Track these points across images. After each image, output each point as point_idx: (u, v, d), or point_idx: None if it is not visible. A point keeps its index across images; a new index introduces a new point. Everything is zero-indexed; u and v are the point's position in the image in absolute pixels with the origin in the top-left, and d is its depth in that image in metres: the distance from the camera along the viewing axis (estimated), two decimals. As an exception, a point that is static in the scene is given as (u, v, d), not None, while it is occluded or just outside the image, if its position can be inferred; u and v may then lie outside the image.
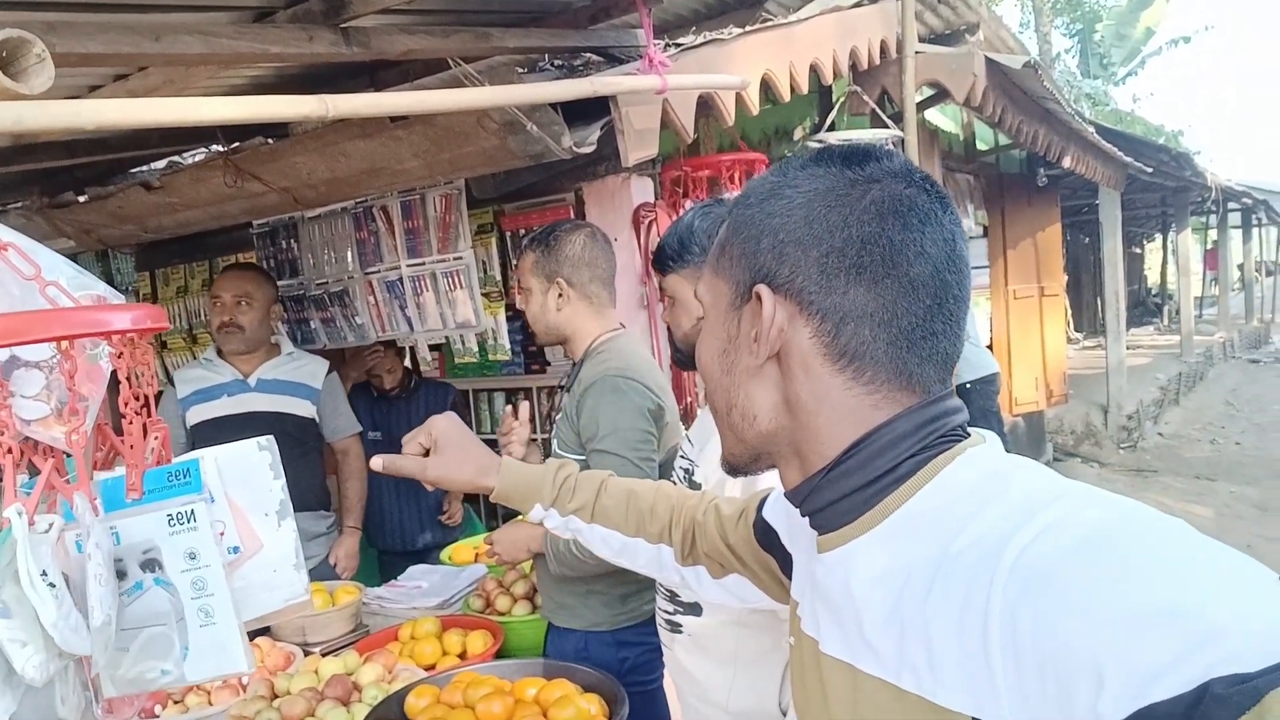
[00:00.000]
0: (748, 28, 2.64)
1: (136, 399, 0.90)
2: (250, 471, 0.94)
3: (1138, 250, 22.72)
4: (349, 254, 3.39)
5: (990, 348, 7.03)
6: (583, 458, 2.02)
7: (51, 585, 0.70)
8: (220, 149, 2.91)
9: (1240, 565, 0.54)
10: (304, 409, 3.07)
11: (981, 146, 7.19)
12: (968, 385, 5.98)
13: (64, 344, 0.80)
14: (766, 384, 0.75)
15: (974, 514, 0.65)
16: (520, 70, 2.32)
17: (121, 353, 0.87)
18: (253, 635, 2.52)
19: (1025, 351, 7.67)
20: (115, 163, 3.35)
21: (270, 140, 2.82)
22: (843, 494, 0.73)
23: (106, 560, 0.78)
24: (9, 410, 0.74)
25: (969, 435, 0.73)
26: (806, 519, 0.79)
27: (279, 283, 3.66)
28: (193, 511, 0.84)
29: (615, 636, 2.16)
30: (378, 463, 1.12)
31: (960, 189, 6.73)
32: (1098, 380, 10.08)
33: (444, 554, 3.28)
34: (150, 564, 0.83)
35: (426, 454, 1.13)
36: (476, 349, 3.40)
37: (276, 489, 0.95)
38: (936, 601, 0.63)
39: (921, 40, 4.72)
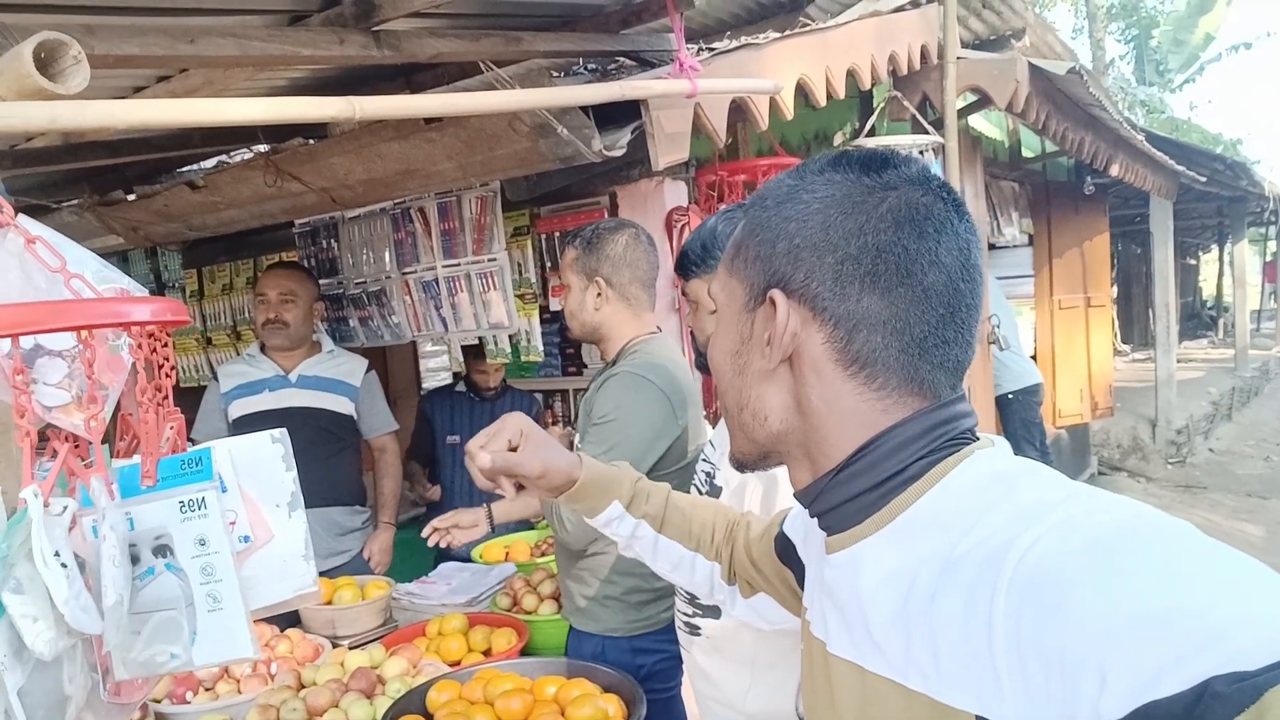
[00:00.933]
0: (784, 32, 2.63)
1: (155, 389, 0.92)
2: (263, 464, 0.96)
3: (1192, 261, 22.21)
4: (386, 254, 3.45)
5: (1034, 358, 6.92)
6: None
7: (64, 565, 0.73)
8: (261, 150, 2.97)
9: (1243, 566, 0.54)
10: (343, 405, 3.13)
11: (1027, 154, 7.09)
12: (1009, 395, 5.89)
13: (84, 334, 0.83)
14: (778, 386, 0.76)
15: (980, 516, 0.65)
16: (553, 74, 2.34)
17: (141, 344, 0.90)
18: (283, 627, 2.57)
19: (1070, 363, 7.53)
20: (162, 162, 3.45)
21: (309, 141, 2.87)
22: (851, 495, 0.73)
23: (121, 544, 0.80)
24: (30, 396, 0.77)
25: (978, 439, 0.74)
26: (815, 520, 0.80)
27: (321, 281, 3.75)
28: (204, 499, 0.87)
29: (632, 643, 2.17)
30: (485, 459, 1.05)
31: (1005, 196, 6.64)
32: (1146, 393, 9.86)
33: (475, 552, 3.32)
34: (162, 549, 0.86)
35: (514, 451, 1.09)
36: (509, 350, 3.42)
37: (288, 481, 0.97)
38: (943, 601, 0.63)
39: (966, 46, 4.67)
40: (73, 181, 3.49)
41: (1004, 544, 0.61)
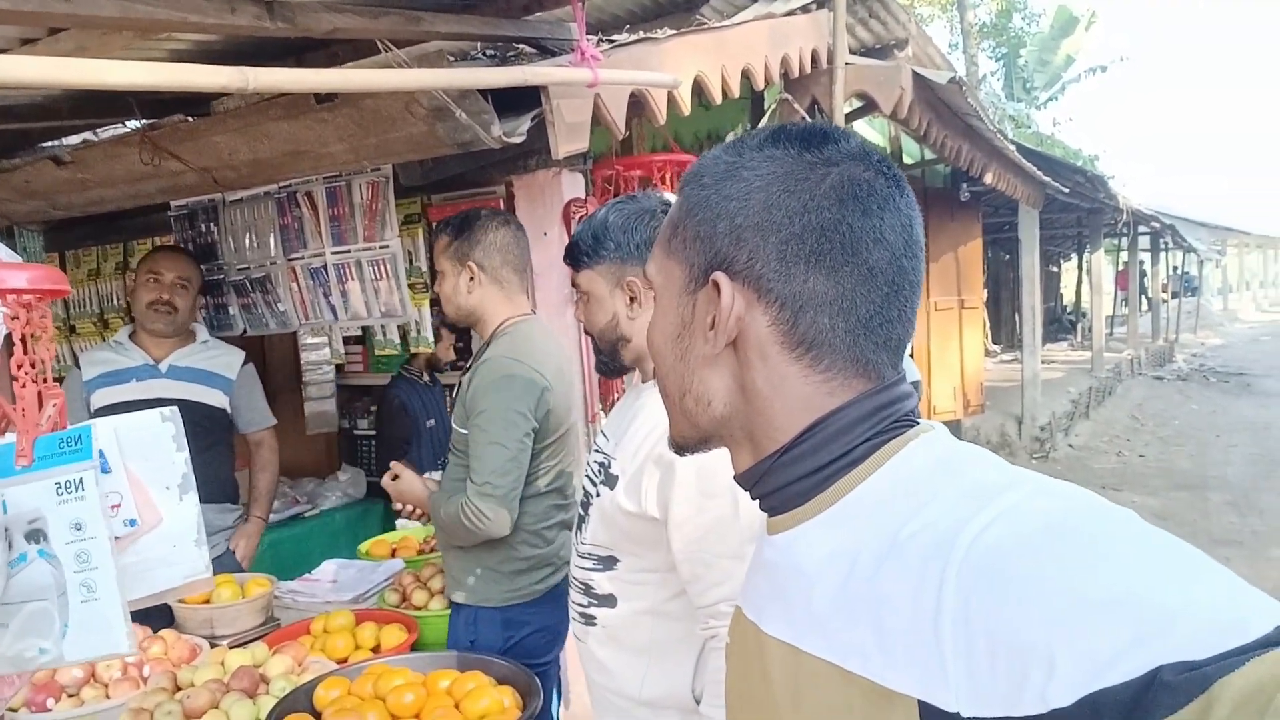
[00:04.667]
0: (681, 29, 2.66)
1: (32, 364, 0.86)
2: (152, 443, 0.91)
3: (1055, 269, 23.55)
4: (271, 239, 3.31)
5: (911, 356, 7.21)
6: (466, 433, 2.12)
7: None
8: (137, 125, 2.81)
9: (1188, 555, 0.55)
10: (215, 399, 3.01)
11: (907, 160, 7.38)
12: (889, 392, 6.12)
13: (-48, 301, 0.77)
14: (721, 370, 0.74)
15: (926, 500, 0.65)
16: (450, 58, 2.30)
17: (17, 315, 0.83)
18: (158, 628, 2.45)
19: (944, 362, 7.90)
20: (23, 135, 3.21)
21: (190, 118, 2.73)
22: (796, 477, 0.72)
23: (-9, 527, 0.75)
24: (-112, 367, 0.71)
25: (919, 423, 0.73)
26: (757, 501, 0.79)
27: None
28: (81, 480, 0.81)
29: (504, 614, 2.22)
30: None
31: (886, 201, 6.90)
32: (1014, 393, 10.42)
33: (361, 548, 3.24)
34: (35, 534, 0.80)
35: None
36: (399, 340, 3.35)
37: (179, 462, 0.92)
38: (888, 584, 0.62)
39: (853, 53, 4.82)
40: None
41: (953, 528, 0.61)
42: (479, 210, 2.24)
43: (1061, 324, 21.88)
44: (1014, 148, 6.71)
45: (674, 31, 2.64)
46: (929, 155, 7.07)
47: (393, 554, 3.10)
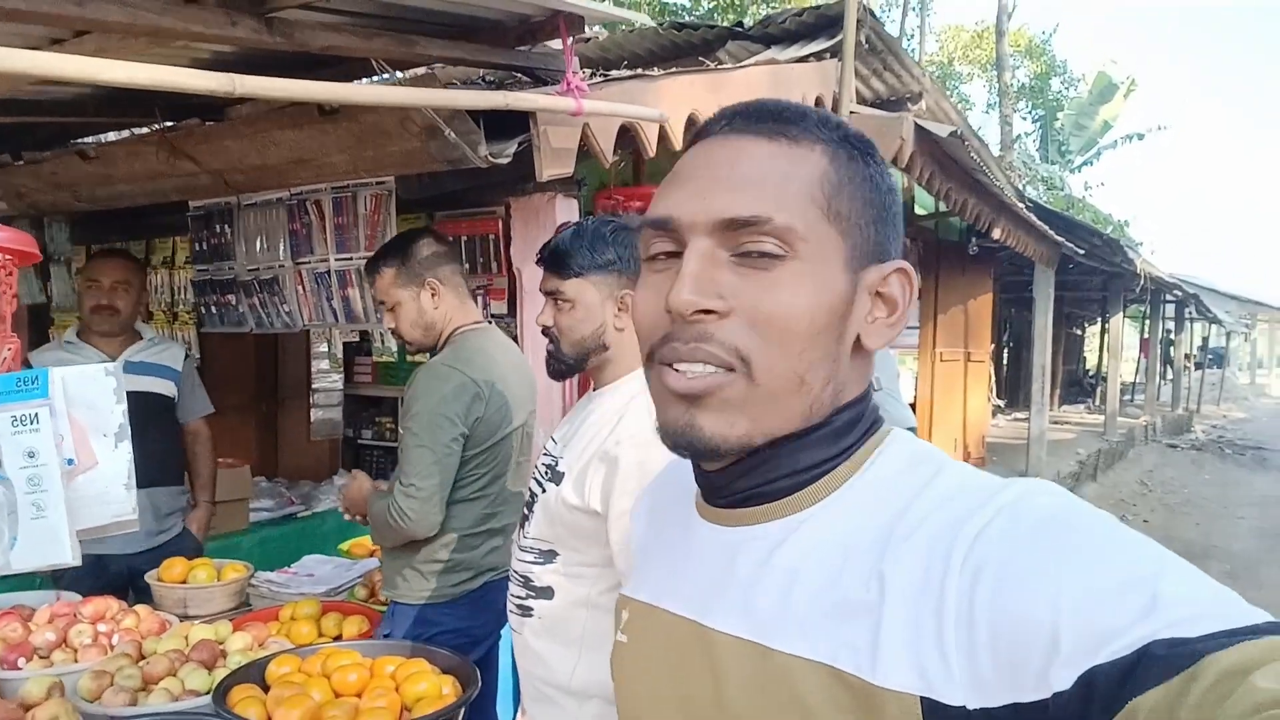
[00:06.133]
0: (675, 69, 2.79)
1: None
2: (94, 394, 1.02)
3: (1078, 332, 23.45)
4: (281, 244, 3.47)
5: (913, 406, 7.25)
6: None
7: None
8: (157, 126, 2.98)
9: (1177, 558, 0.56)
10: (166, 389, 3.20)
11: (920, 211, 7.48)
12: (884, 437, 6.16)
13: (-74, 252, 0.89)
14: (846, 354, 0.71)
15: (917, 493, 0.65)
16: (457, 83, 2.44)
17: (-13, 270, 0.96)
18: (132, 604, 2.56)
19: (946, 413, 7.93)
20: (56, 131, 3.40)
21: (205, 122, 2.90)
22: (799, 467, 0.70)
23: (-60, 448, 0.86)
24: None
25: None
26: (707, 489, 0.76)
27: (211, 265, 3.74)
28: (36, 415, 0.93)
29: (419, 612, 2.29)
30: None
31: (896, 249, 6.98)
32: (1020, 450, 10.39)
33: (341, 547, 3.36)
34: (-14, 460, 0.91)
35: None
36: (395, 349, 3.48)
37: (118, 413, 1.03)
38: (889, 580, 0.61)
39: (866, 104, 4.94)
40: (-44, 141, 3.42)
41: (954, 522, 0.61)
42: (406, 232, 2.38)
43: (1082, 387, 21.75)
44: (1025, 205, 6.80)
45: (667, 71, 2.77)
46: (944, 208, 7.17)
47: (370, 555, 3.21)
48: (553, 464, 1.79)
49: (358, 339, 3.60)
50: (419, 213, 3.40)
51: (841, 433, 0.71)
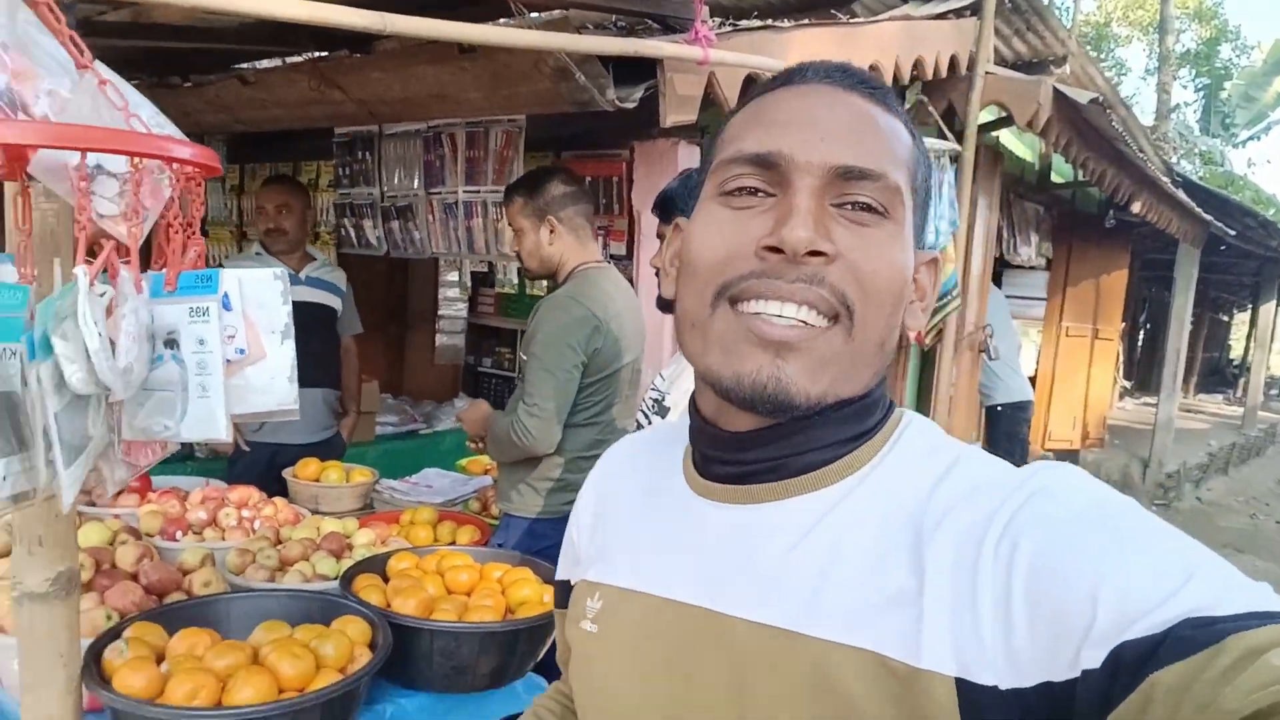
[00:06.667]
0: (805, 21, 2.80)
1: (186, 224, 1.15)
2: (265, 295, 1.18)
3: (1224, 318, 22.09)
4: (416, 173, 3.67)
5: (1033, 379, 7.06)
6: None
7: (98, 328, 0.95)
8: (310, 56, 3.18)
9: (1205, 548, 0.56)
10: (335, 303, 3.51)
11: (1057, 179, 7.18)
12: (999, 407, 6.03)
13: (136, 161, 1.05)
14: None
15: (940, 479, 0.65)
16: (589, 27, 2.53)
17: (180, 180, 1.12)
18: (273, 495, 2.83)
19: (1068, 389, 7.68)
20: (218, 57, 3.67)
21: (354, 54, 3.08)
22: (829, 441, 0.69)
23: (140, 327, 1.03)
24: (89, 199, 1.00)
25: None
26: (732, 457, 0.72)
27: (352, 190, 3.99)
28: (208, 309, 1.09)
29: (530, 526, 2.47)
30: None
31: (1026, 217, 6.76)
32: (1146, 435, 9.96)
33: (459, 463, 3.60)
34: (171, 343, 1.08)
35: None
36: (517, 282, 3.65)
37: (284, 314, 1.19)
38: (929, 563, 0.60)
39: (1006, 64, 4.78)
40: (133, 61, 3.72)
41: (987, 506, 0.61)
42: (543, 169, 2.50)
43: (1223, 376, 20.55)
44: (1175, 180, 6.45)
45: (800, 23, 2.79)
46: (1083, 178, 6.86)
47: (485, 473, 3.44)
48: (659, 398, 1.91)
49: (486, 269, 3.78)
50: (546, 151, 3.53)
51: (869, 410, 0.70)
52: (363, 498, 3.01)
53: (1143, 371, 16.81)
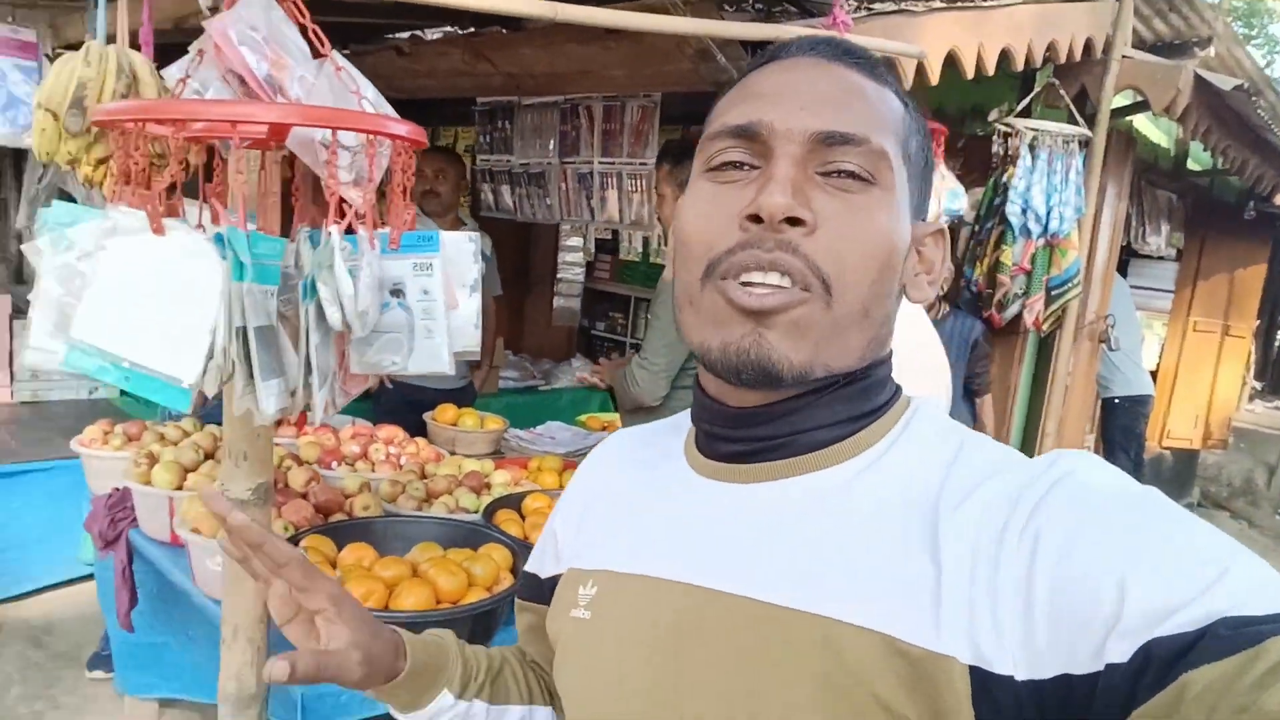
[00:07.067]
0: (941, 4, 2.86)
1: (404, 192, 1.36)
2: (460, 254, 1.38)
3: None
4: (552, 142, 3.88)
5: (1155, 373, 6.86)
6: None
7: (350, 273, 1.17)
8: (463, 31, 3.40)
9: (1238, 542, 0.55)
10: (481, 265, 3.75)
11: (1194, 167, 6.91)
12: (1116, 400, 5.92)
13: (369, 137, 1.26)
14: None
15: (951, 463, 0.65)
16: (725, 9, 2.66)
17: (400, 152, 1.32)
18: (414, 434, 3.10)
19: (1191, 387, 7.41)
20: (374, 28, 3.93)
21: (505, 30, 3.29)
22: (836, 419, 0.68)
23: (373, 278, 1.24)
24: (336, 169, 1.21)
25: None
26: (737, 435, 0.71)
27: (490, 157, 4.24)
28: (431, 264, 1.30)
29: None
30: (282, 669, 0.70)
31: (1158, 205, 6.55)
32: (1275, 441, 9.53)
33: (579, 418, 3.84)
34: (398, 292, 1.29)
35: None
36: (640, 249, 3.83)
37: (474, 270, 1.39)
38: (946, 548, 0.59)
39: (1146, 47, 4.65)
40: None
41: (1009, 493, 0.60)
42: (688, 139, 2.66)
43: (1366, 381, 19.24)
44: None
45: (935, 6, 2.85)
46: (1222, 166, 6.58)
47: (603, 429, 3.66)
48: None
49: (610, 236, 3.98)
50: (677, 125, 3.69)
51: (875, 389, 0.69)
52: (494, 443, 3.26)
53: (1277, 373, 15.93)
